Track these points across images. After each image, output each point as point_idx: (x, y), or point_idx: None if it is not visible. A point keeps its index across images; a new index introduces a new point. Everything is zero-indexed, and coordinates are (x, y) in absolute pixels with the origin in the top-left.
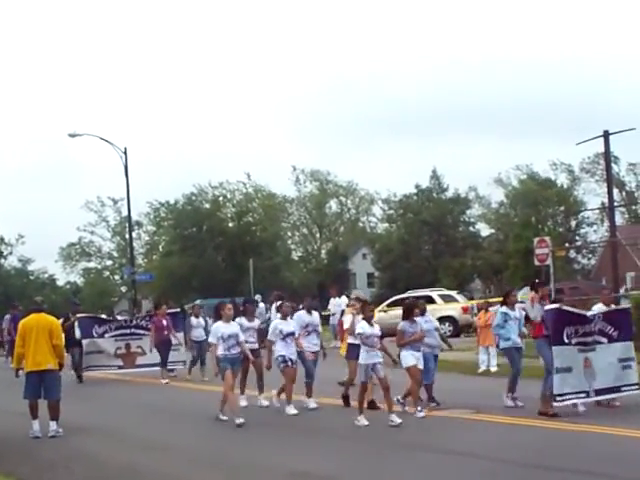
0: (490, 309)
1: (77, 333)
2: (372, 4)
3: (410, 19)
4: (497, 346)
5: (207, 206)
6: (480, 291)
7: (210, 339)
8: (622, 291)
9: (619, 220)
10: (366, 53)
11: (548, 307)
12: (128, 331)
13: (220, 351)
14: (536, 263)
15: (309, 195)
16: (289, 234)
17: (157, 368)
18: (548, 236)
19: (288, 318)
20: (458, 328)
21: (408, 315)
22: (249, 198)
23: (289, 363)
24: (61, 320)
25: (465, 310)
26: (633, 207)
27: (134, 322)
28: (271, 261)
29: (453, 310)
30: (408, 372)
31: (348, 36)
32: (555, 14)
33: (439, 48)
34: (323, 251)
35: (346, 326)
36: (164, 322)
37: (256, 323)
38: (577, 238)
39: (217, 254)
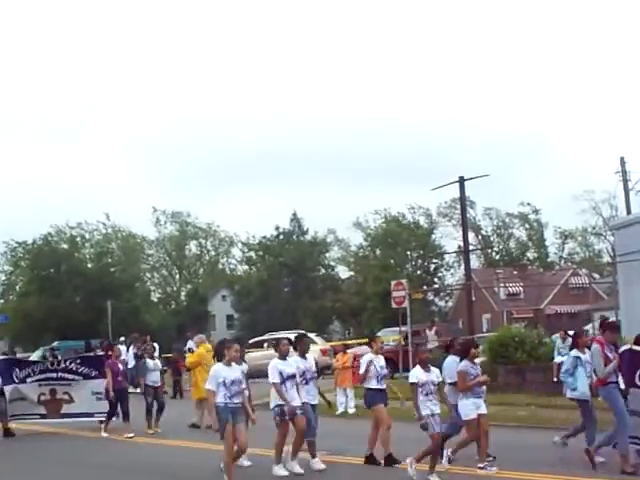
0: (348, 351)
1: None
2: (221, 50)
3: (260, 62)
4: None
5: (65, 246)
6: (339, 333)
7: (208, 385)
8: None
9: (475, 263)
10: (220, 97)
11: (623, 348)
12: (54, 375)
13: (219, 399)
14: (393, 305)
15: (169, 236)
16: (148, 275)
17: (85, 419)
18: (406, 279)
19: (288, 357)
20: (318, 370)
21: (466, 354)
22: (108, 239)
23: (289, 416)
24: None
25: (324, 352)
26: (488, 250)
27: (62, 365)
28: (130, 303)
29: (312, 352)
30: (467, 425)
31: (202, 80)
32: (401, 68)
33: (292, 95)
34: (183, 293)
35: (362, 370)
36: (120, 366)
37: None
38: (435, 281)
39: (75, 295)
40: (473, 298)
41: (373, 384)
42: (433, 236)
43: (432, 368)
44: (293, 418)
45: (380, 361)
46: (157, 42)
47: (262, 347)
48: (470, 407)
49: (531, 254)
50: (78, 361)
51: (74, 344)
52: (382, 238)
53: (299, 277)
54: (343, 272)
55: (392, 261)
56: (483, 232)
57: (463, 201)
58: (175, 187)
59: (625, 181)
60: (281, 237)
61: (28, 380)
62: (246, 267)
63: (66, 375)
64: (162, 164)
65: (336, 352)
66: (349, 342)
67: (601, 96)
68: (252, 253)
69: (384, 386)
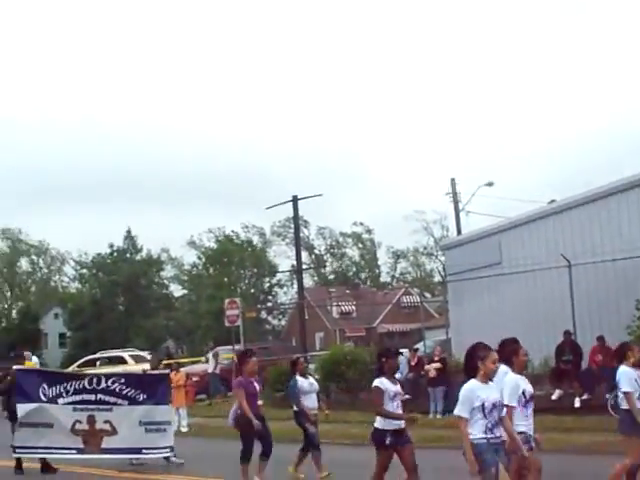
0: (181, 370)
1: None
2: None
3: (98, 83)
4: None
5: None
6: (173, 351)
7: (457, 411)
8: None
9: (308, 282)
10: (53, 114)
11: None
12: (93, 397)
13: (476, 432)
14: (227, 324)
15: None
16: None
17: (132, 456)
18: (240, 297)
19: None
20: None
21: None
22: None
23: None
24: None
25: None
26: (322, 269)
27: (103, 384)
28: None
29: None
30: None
31: (30, 96)
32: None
33: (126, 116)
34: (14, 310)
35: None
36: (257, 386)
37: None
38: (269, 299)
39: None
40: (306, 316)
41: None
42: (267, 255)
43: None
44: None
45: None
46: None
47: (95, 365)
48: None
49: (364, 273)
50: (122, 380)
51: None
52: (216, 257)
53: (132, 295)
54: (177, 290)
55: (226, 279)
56: (317, 251)
57: (297, 220)
58: (6, 204)
59: (456, 202)
60: (115, 255)
61: (60, 401)
62: (79, 285)
63: (107, 398)
64: None
65: (171, 370)
66: (182, 360)
67: (432, 118)
68: (85, 271)
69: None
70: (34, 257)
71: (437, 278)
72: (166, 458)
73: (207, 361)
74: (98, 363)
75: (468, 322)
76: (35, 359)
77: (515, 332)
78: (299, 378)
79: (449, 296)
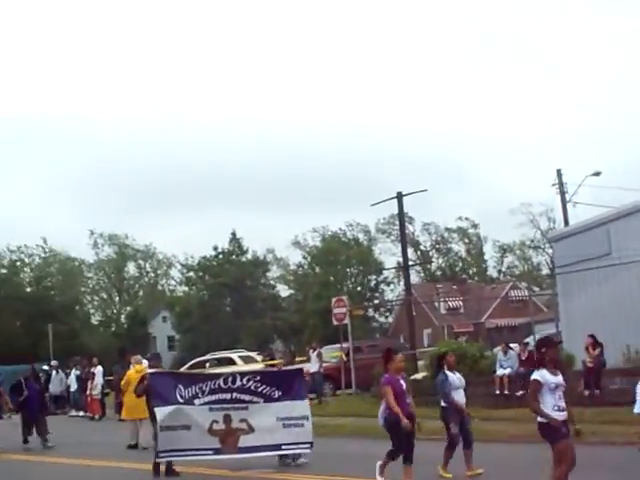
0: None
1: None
2: (161, 73)
3: (198, 84)
4: None
5: (4, 271)
6: (281, 352)
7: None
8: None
9: (414, 278)
10: (158, 119)
11: None
12: (228, 396)
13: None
14: (334, 322)
15: (107, 259)
16: (88, 298)
17: (269, 454)
18: (347, 295)
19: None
20: None
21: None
22: (47, 263)
23: None
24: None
25: None
26: (428, 266)
27: (238, 382)
28: (70, 326)
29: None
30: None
31: (140, 101)
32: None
33: (228, 118)
34: (123, 315)
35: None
36: (403, 384)
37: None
38: (375, 296)
39: (15, 319)
40: (414, 313)
41: None
42: (372, 252)
43: None
44: None
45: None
46: (74, 65)
47: (204, 367)
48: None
49: (471, 269)
50: (257, 378)
51: (16, 368)
52: (322, 256)
53: (239, 296)
54: (283, 291)
55: (332, 278)
56: (422, 247)
57: (402, 216)
58: (112, 210)
59: (562, 193)
60: (220, 257)
61: (196, 402)
62: (186, 288)
63: (242, 396)
64: (97, 187)
65: None
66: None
67: (534, 110)
68: (192, 274)
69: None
70: (141, 262)
71: (545, 271)
72: (293, 457)
73: (309, 360)
74: (207, 365)
75: (578, 315)
76: (146, 362)
77: (627, 324)
78: (449, 373)
79: (558, 289)
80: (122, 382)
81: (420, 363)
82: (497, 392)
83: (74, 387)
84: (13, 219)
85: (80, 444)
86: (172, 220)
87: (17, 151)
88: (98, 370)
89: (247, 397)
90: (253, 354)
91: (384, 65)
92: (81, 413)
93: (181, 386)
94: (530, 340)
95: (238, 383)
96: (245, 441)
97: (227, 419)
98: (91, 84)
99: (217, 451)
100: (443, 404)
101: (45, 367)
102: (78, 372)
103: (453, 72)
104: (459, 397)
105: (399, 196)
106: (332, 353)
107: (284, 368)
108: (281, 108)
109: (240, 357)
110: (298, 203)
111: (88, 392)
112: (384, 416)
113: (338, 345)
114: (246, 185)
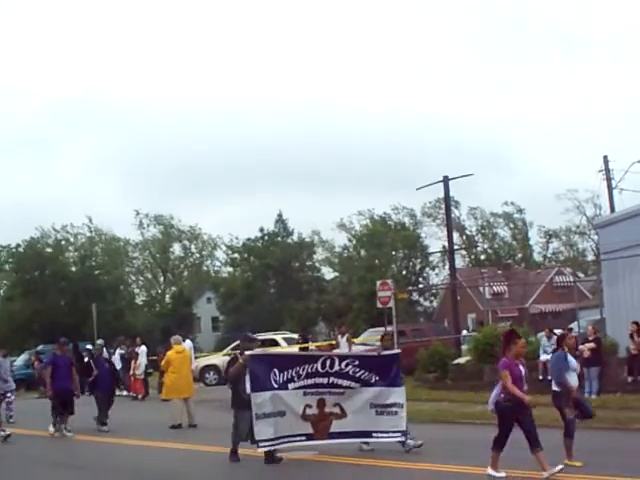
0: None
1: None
2: (197, 54)
3: (234, 67)
4: None
5: (49, 250)
6: (324, 334)
7: None
8: (465, 332)
9: (460, 263)
10: (202, 101)
11: None
12: (325, 380)
13: None
14: (379, 305)
15: (152, 239)
16: (133, 278)
17: (359, 440)
18: (392, 279)
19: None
20: None
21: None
22: (92, 242)
23: None
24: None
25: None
26: (473, 250)
27: (337, 367)
28: (114, 305)
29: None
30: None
31: (183, 84)
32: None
33: (275, 100)
34: (167, 295)
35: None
36: (522, 369)
37: None
38: (420, 280)
39: (60, 298)
40: (458, 297)
41: None
42: (418, 236)
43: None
44: None
45: None
46: (124, 48)
47: None
48: None
49: (516, 254)
50: (356, 362)
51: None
52: (367, 239)
53: (284, 278)
54: (328, 273)
55: (377, 261)
56: (468, 232)
57: (448, 201)
58: (157, 191)
59: (609, 179)
60: (266, 239)
61: (290, 386)
62: (230, 269)
63: (340, 381)
64: (142, 167)
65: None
66: (334, 343)
67: (581, 95)
68: (236, 255)
69: None
70: (186, 242)
71: (590, 257)
72: (402, 442)
73: (338, 346)
74: None
75: (622, 302)
76: (189, 343)
77: None
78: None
79: (603, 275)
80: (162, 362)
81: (463, 347)
82: (540, 377)
83: (118, 367)
84: (61, 198)
85: (130, 425)
86: (218, 202)
87: (67, 132)
88: (142, 350)
89: (345, 382)
90: (296, 336)
91: (432, 50)
92: (124, 393)
93: (276, 370)
94: (574, 326)
95: (336, 367)
96: (337, 426)
97: (321, 403)
98: (141, 68)
99: (309, 437)
100: (555, 389)
101: (89, 346)
102: (122, 352)
103: (500, 57)
104: (573, 380)
105: (445, 180)
106: (376, 337)
107: (383, 353)
108: (329, 93)
109: (284, 339)
110: (344, 186)
111: (131, 372)
112: (495, 401)
113: (382, 328)
114: (293, 167)
